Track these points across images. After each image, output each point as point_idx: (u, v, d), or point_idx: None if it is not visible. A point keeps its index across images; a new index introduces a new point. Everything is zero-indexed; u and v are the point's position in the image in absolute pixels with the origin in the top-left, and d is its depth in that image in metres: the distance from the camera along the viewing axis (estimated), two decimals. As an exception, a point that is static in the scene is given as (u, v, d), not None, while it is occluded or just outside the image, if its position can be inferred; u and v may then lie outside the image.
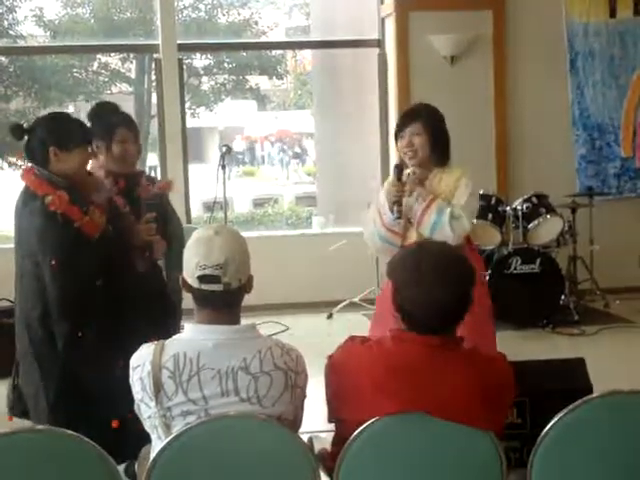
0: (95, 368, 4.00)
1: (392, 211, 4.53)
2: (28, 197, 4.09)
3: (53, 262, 3.96)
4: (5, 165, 13.99)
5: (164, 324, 4.17)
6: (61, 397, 4.11)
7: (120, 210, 4.43)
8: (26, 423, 4.21)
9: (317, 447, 2.94)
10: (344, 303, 8.36)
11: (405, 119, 4.64)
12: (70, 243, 3.99)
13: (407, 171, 4.61)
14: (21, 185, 4.20)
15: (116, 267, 4.24)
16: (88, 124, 4.48)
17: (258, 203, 17.57)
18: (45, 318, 4.07)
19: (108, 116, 4.65)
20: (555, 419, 2.75)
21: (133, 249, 4.41)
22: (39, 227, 3.99)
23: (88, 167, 4.44)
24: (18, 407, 4.33)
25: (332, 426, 2.94)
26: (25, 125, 4.20)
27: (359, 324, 7.80)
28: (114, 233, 4.25)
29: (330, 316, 8.35)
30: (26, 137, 4.17)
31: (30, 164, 4.21)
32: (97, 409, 4.03)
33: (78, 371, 4.08)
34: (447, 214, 4.42)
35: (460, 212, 4.44)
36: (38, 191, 4.03)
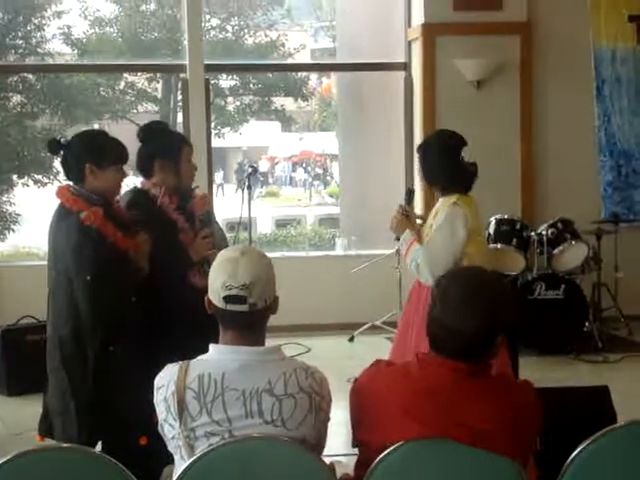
0: (125, 383, 4.01)
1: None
2: (63, 214, 4.14)
3: (88, 277, 3.99)
4: (31, 182, 14.06)
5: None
6: (91, 413, 4.12)
7: (180, 226, 4.48)
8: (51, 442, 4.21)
9: (338, 472, 2.92)
10: (366, 326, 8.34)
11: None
12: (105, 259, 4.02)
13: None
14: (55, 202, 4.25)
15: (174, 283, 4.30)
16: (139, 143, 4.53)
17: (281, 224, 17.59)
18: (77, 334, 4.10)
19: (171, 135, 4.73)
20: (579, 448, 2.72)
21: (192, 265, 4.46)
22: (74, 243, 4.03)
23: (139, 185, 4.52)
24: (43, 425, 4.34)
25: (353, 450, 2.92)
26: (62, 140, 4.24)
27: (381, 347, 7.77)
28: (172, 249, 4.31)
29: (352, 339, 8.33)
30: (62, 152, 4.22)
31: (65, 182, 4.27)
32: (126, 425, 4.04)
33: (108, 386, 4.10)
34: (414, 265, 4.53)
35: (422, 263, 4.49)
36: (73, 207, 4.07)
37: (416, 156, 4.76)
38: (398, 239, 4.67)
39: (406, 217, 4.67)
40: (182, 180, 4.57)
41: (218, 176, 21.21)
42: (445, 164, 4.64)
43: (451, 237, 4.52)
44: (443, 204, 4.62)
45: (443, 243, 4.52)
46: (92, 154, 4.14)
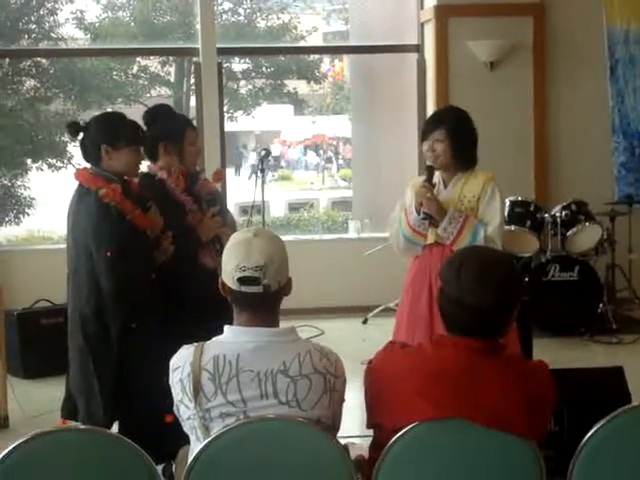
0: (148, 360, 4.03)
1: (418, 211, 4.59)
2: (82, 193, 4.18)
3: (108, 253, 4.02)
4: (45, 166, 14.09)
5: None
6: (115, 390, 4.15)
7: (188, 208, 4.51)
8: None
9: (352, 453, 2.93)
10: (379, 308, 8.34)
11: (430, 124, 4.74)
12: (124, 235, 4.06)
13: (434, 179, 4.66)
14: (72, 185, 4.30)
15: (183, 263, 4.32)
16: (144, 127, 4.55)
17: (294, 207, 17.59)
18: (99, 312, 4.13)
19: (175, 118, 4.74)
20: (594, 428, 2.72)
21: (202, 246, 4.48)
22: (94, 220, 4.07)
23: (145, 169, 4.54)
24: (66, 408, 4.37)
25: (368, 432, 2.93)
26: (81, 123, 4.28)
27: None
28: (180, 230, 4.34)
29: (365, 321, 8.34)
30: (81, 134, 4.26)
31: (83, 165, 4.31)
32: (150, 402, 4.06)
33: (131, 362, 4.13)
34: (481, 238, 4.49)
35: (493, 235, 4.53)
36: (92, 186, 4.11)
37: (438, 133, 4.62)
38: (427, 217, 4.58)
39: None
40: (184, 163, 4.58)
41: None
42: (473, 138, 4.71)
43: (504, 210, 4.79)
44: (478, 178, 4.61)
45: (502, 216, 4.66)
46: (107, 135, 4.18)
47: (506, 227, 7.70)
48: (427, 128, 4.71)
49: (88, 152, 4.24)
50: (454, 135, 4.60)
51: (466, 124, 4.71)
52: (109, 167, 4.17)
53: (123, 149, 4.18)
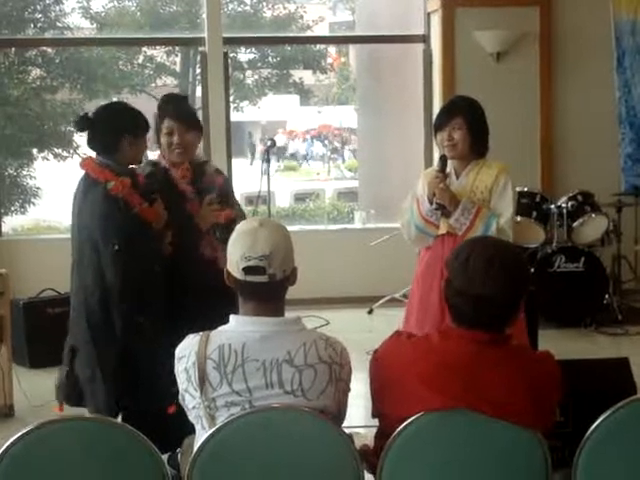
0: (153, 353, 4.04)
1: (431, 202, 4.56)
2: (89, 184, 4.18)
3: (116, 247, 4.02)
4: (51, 156, 14.09)
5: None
6: (117, 381, 4.16)
7: (187, 197, 4.51)
8: (81, 411, 4.23)
9: (357, 443, 2.93)
10: (385, 299, 8.35)
11: (446, 113, 4.71)
12: (131, 228, 4.07)
13: (447, 169, 4.66)
14: (76, 175, 4.30)
15: (184, 253, 4.33)
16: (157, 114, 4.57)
17: (299, 198, 17.59)
18: (104, 302, 4.13)
19: (184, 106, 4.73)
20: (600, 419, 2.72)
21: (202, 236, 4.48)
22: (101, 212, 4.07)
23: (151, 157, 4.55)
24: (73, 395, 4.37)
25: (372, 422, 2.93)
26: (90, 115, 4.28)
27: (400, 320, 7.76)
28: (181, 220, 4.35)
29: (371, 311, 8.35)
30: (92, 127, 4.26)
31: (88, 154, 4.31)
32: (153, 394, 4.07)
33: (136, 355, 4.14)
34: (493, 229, 4.49)
35: (506, 227, 4.52)
36: (100, 178, 4.11)
37: (456, 121, 4.60)
38: (439, 208, 4.56)
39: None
40: (166, 154, 4.55)
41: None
42: (487, 126, 4.71)
43: (515, 201, 4.77)
44: (492, 169, 4.61)
45: (515, 208, 4.69)
46: (130, 126, 4.19)
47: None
48: (442, 118, 4.68)
49: (105, 143, 4.21)
50: (471, 122, 4.60)
51: (480, 111, 4.71)
52: (125, 157, 4.19)
53: (142, 138, 4.22)
